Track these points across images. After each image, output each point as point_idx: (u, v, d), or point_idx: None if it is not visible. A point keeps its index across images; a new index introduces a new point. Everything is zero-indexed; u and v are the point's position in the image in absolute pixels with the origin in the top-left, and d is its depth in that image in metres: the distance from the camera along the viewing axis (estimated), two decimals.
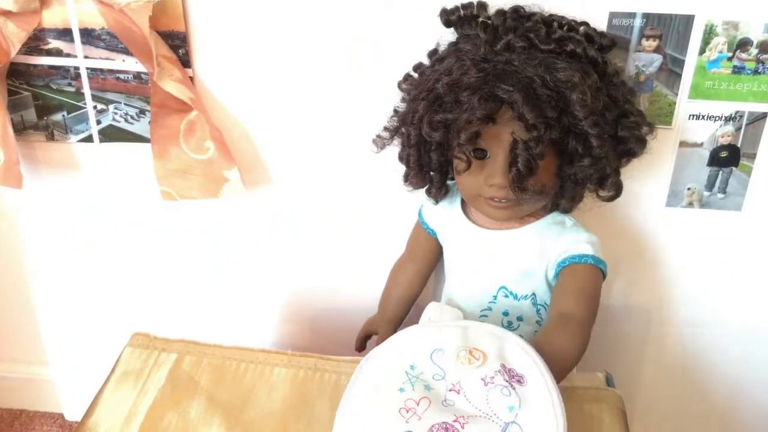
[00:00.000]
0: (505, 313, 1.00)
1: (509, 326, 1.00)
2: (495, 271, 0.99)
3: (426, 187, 1.01)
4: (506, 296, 0.99)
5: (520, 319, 1.00)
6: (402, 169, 1.00)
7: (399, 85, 1.00)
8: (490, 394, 0.74)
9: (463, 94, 0.85)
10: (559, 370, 0.79)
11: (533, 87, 0.84)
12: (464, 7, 0.96)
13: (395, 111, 1.00)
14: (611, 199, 0.96)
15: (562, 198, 0.95)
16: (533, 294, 0.99)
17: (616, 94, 0.92)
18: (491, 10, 0.95)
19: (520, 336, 0.97)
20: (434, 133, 0.89)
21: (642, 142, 0.95)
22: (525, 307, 0.99)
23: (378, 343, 0.89)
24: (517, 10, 0.93)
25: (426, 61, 0.99)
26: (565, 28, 0.92)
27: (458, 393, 0.75)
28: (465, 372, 0.76)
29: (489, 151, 0.89)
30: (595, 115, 0.86)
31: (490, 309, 1.00)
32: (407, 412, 0.72)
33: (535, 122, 0.83)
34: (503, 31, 0.91)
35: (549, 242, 0.96)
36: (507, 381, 0.74)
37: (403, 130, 0.96)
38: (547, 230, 0.98)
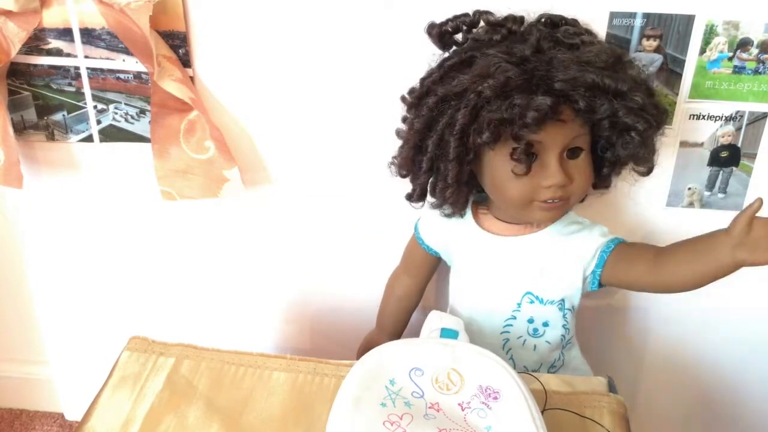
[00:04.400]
0: (530, 320, 0.99)
1: (535, 333, 1.00)
2: (519, 278, 0.99)
3: (450, 205, 0.97)
4: (531, 302, 0.99)
5: (545, 324, 1.00)
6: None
7: (403, 99, 0.96)
8: (468, 417, 0.76)
9: (518, 96, 0.83)
10: None
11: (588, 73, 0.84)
12: (458, 17, 0.94)
13: (397, 132, 0.97)
14: (648, 173, 0.96)
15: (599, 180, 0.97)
16: (562, 299, 0.98)
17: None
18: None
19: (547, 342, 1.00)
20: (490, 137, 0.85)
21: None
22: (551, 311, 0.99)
23: None
24: (540, 19, 0.93)
25: (433, 72, 0.94)
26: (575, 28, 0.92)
27: (438, 411, 0.77)
28: (442, 396, 0.78)
29: (537, 154, 0.88)
30: (638, 92, 0.87)
31: (514, 318, 1.00)
32: (392, 425, 0.74)
33: (617, 87, 0.84)
34: (527, 33, 0.90)
35: (575, 241, 0.97)
36: (483, 402, 0.77)
37: (437, 145, 0.91)
38: (567, 230, 0.98)
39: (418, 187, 0.97)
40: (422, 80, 0.94)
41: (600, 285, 0.97)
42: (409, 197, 0.99)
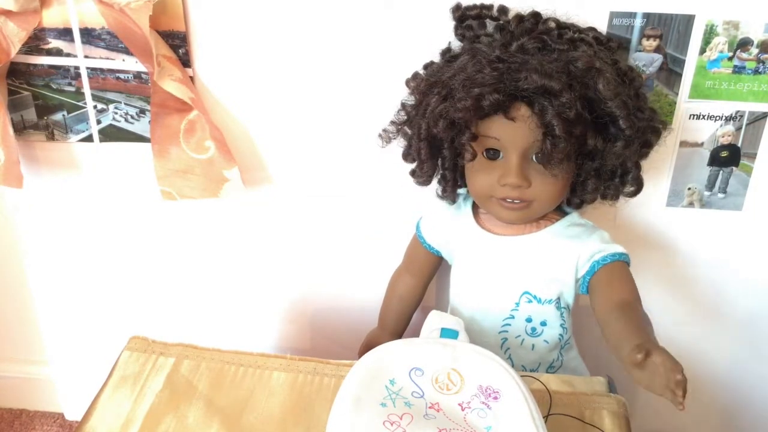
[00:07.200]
0: (528, 320, 1.00)
1: (533, 332, 1.00)
2: (517, 277, 0.99)
3: (441, 188, 1.01)
4: (529, 301, 0.99)
5: (543, 324, 1.00)
6: (405, 167, 1.01)
7: (407, 83, 1.00)
8: (468, 417, 0.76)
9: (475, 90, 0.85)
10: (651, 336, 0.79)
11: (552, 74, 0.85)
12: (485, 7, 0.96)
13: (402, 105, 1.00)
14: (634, 194, 0.98)
15: (583, 193, 0.96)
16: (558, 298, 0.99)
17: (629, 91, 0.92)
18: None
19: (545, 342, 1.00)
20: (443, 129, 0.90)
21: (657, 132, 0.96)
22: (549, 310, 0.99)
23: None
24: (535, 15, 0.94)
25: (437, 60, 0.99)
26: (576, 33, 0.94)
27: (438, 411, 0.77)
28: (442, 396, 0.78)
29: (501, 151, 0.91)
30: (622, 97, 0.87)
31: (512, 317, 1.00)
32: (392, 425, 0.74)
33: (561, 87, 0.84)
34: (519, 34, 0.93)
35: (573, 243, 0.97)
36: (483, 402, 0.77)
37: (414, 123, 0.96)
38: (567, 231, 0.98)
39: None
40: (424, 66, 1.00)
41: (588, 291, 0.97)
42: (412, 173, 1.02)
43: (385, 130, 1.02)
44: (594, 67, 0.87)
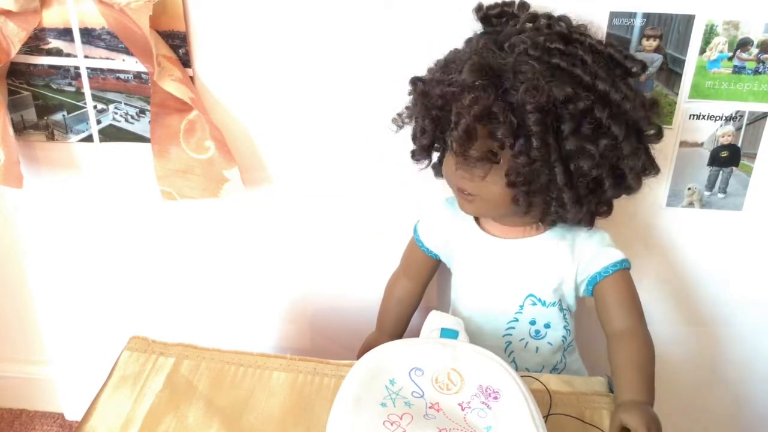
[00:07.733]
0: (532, 322, 0.99)
1: (537, 335, 1.00)
2: (522, 281, 0.99)
3: (436, 171, 1.02)
4: (534, 304, 0.99)
5: (547, 326, 1.00)
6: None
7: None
8: (468, 417, 0.77)
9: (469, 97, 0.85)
10: (649, 383, 0.85)
11: (485, 69, 0.84)
12: (506, 4, 0.95)
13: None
14: (604, 214, 0.96)
15: (561, 209, 0.91)
16: (560, 300, 0.99)
17: (616, 131, 0.86)
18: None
19: (549, 344, 1.00)
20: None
21: (631, 188, 0.92)
22: (553, 313, 0.99)
23: None
24: (549, 17, 0.91)
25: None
26: (579, 45, 0.88)
27: (438, 411, 0.77)
28: (442, 396, 0.78)
29: None
30: (543, 114, 0.82)
31: (516, 320, 1.00)
32: (392, 425, 0.74)
33: (477, 81, 0.83)
34: (514, 32, 0.90)
35: (574, 245, 0.97)
36: (483, 402, 0.77)
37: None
38: (568, 233, 0.98)
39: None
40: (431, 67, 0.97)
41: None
42: (412, 155, 1.00)
43: (399, 114, 1.00)
44: (527, 79, 0.83)
